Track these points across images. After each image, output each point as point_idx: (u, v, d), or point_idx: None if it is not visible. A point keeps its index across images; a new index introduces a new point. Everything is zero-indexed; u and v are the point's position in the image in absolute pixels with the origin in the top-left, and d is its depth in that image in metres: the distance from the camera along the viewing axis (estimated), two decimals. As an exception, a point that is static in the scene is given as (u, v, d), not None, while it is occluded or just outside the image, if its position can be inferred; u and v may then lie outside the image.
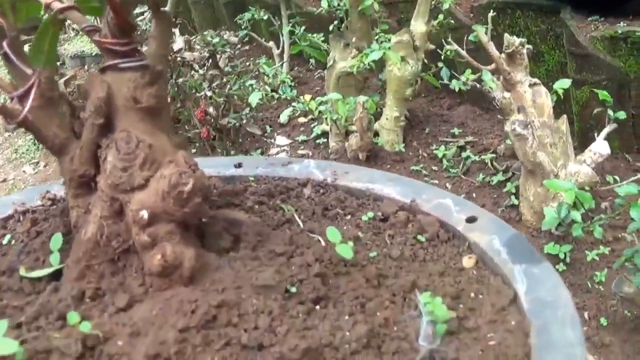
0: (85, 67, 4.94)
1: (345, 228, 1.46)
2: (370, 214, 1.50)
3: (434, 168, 3.57)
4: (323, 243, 1.34)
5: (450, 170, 3.52)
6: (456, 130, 3.75)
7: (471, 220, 1.44)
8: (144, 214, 1.18)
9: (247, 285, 1.16)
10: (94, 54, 4.88)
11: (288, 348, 1.03)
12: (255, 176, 1.70)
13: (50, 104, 1.25)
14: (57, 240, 1.30)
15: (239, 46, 5.01)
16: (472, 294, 1.25)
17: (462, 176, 3.48)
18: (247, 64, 4.51)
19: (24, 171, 4.75)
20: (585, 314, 2.77)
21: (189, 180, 1.17)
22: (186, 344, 1.04)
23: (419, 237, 1.42)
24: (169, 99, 1.30)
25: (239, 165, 1.74)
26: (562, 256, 2.93)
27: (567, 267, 2.92)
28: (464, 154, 3.58)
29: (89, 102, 1.23)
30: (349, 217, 1.52)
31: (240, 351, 1.05)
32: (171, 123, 4.11)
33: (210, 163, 1.76)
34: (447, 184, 3.43)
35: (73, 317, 1.09)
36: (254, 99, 3.62)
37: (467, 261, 1.35)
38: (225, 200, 1.49)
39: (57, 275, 1.26)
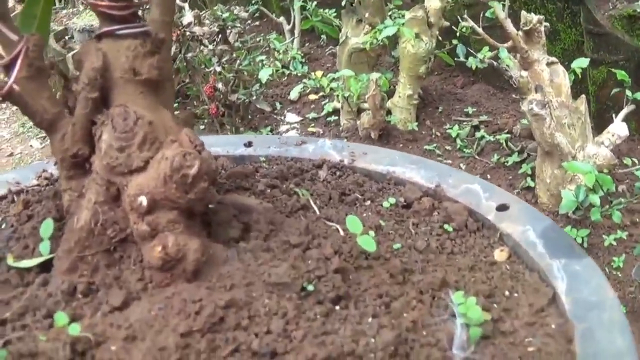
0: (94, 41, 4.75)
1: (364, 215, 1.31)
2: (392, 200, 1.34)
3: (448, 148, 3.40)
4: (342, 232, 1.18)
5: (464, 150, 3.35)
6: (470, 110, 3.58)
7: (502, 208, 1.28)
8: (143, 200, 1.02)
9: (258, 282, 1.01)
10: (102, 28, 4.69)
11: (305, 357, 0.88)
12: (266, 156, 1.54)
13: (39, 75, 1.08)
14: (47, 227, 1.14)
15: (249, 21, 4.82)
16: (507, 292, 1.10)
17: (477, 156, 3.31)
18: (258, 39, 4.33)
19: (30, 145, 4.59)
20: (603, 301, 2.61)
21: (194, 163, 1.01)
22: (189, 350, 0.90)
23: (446, 226, 1.27)
24: (173, 71, 1.13)
25: (249, 144, 1.58)
26: (579, 240, 2.76)
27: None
28: (478, 134, 3.41)
29: (83, 74, 1.07)
30: (368, 202, 1.36)
31: (250, 359, 0.90)
32: (176, 98, 3.96)
33: (218, 141, 1.61)
34: (461, 164, 3.27)
35: (61, 317, 0.94)
36: (264, 75, 3.45)
37: (499, 254, 1.20)
38: (234, 184, 1.33)
39: (47, 265, 1.11)
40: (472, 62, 3.04)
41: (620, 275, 2.72)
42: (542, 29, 2.85)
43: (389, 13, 3.52)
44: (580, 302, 1.02)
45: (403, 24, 3.24)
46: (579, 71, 2.87)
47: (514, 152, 3.20)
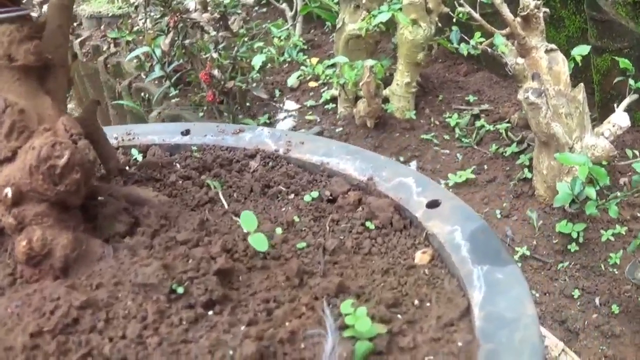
0: (102, 27, 4.69)
1: (283, 210, 1.20)
2: (315, 194, 1.23)
3: (446, 137, 3.26)
4: (245, 229, 1.07)
5: (463, 139, 3.22)
6: (471, 98, 3.43)
7: (433, 205, 1.16)
8: (8, 191, 0.93)
9: (127, 282, 0.90)
10: (110, 15, 4.64)
11: (152, 369, 0.78)
12: (201, 145, 1.44)
13: None
14: None
15: (256, 8, 4.72)
16: (417, 301, 0.98)
17: (475, 146, 3.17)
18: (264, 26, 4.22)
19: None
20: (596, 300, 2.47)
21: (63, 153, 0.92)
22: (37, 351, 0.81)
23: (368, 223, 1.15)
24: (70, 57, 1.03)
25: (187, 133, 1.48)
26: (574, 235, 2.62)
27: (579, 248, 2.62)
28: (478, 123, 3.26)
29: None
30: (292, 196, 1.25)
31: (100, 366, 0.80)
32: (177, 85, 3.87)
33: (155, 129, 1.51)
34: (458, 154, 3.13)
35: None
36: (257, 61, 3.35)
37: (421, 257, 1.08)
38: (145, 174, 1.23)
39: None
40: (464, 49, 2.89)
41: (616, 272, 2.58)
42: (541, 14, 2.70)
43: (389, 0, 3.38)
44: (493, 318, 0.90)
45: (399, 9, 3.10)
46: (579, 59, 2.71)
47: (514, 142, 3.06)
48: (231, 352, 0.80)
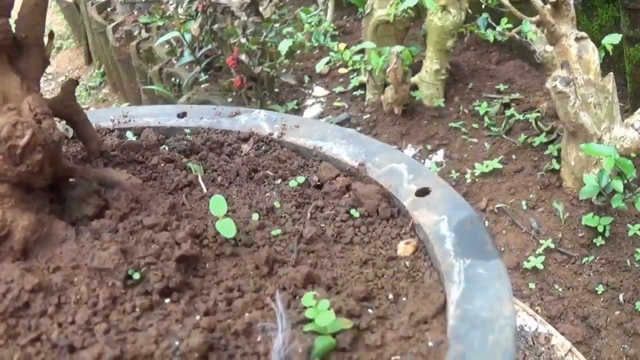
0: (135, 13, 4.69)
1: (267, 195, 1.15)
2: (301, 179, 1.17)
3: (475, 126, 3.17)
4: (214, 214, 1.02)
5: (492, 128, 3.12)
6: (502, 87, 3.33)
7: (422, 193, 1.10)
8: (-34, 171, 0.89)
9: (84, 266, 0.86)
10: (144, 0, 4.63)
11: (92, 355, 0.74)
12: (196, 128, 1.40)
13: None
14: None
15: (289, -7, 4.67)
16: (392, 295, 0.92)
17: (504, 136, 3.08)
18: (295, 12, 4.16)
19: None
20: (620, 296, 2.38)
21: (25, 132, 0.88)
22: (-15, 334, 0.77)
23: (353, 211, 1.10)
24: (46, 35, 1.00)
25: (183, 115, 1.44)
26: (600, 229, 2.52)
27: (605, 242, 2.52)
28: (507, 112, 3.16)
29: None
30: (279, 181, 1.20)
31: (49, 350, 0.77)
32: (207, 70, 3.84)
33: (152, 111, 1.47)
34: (486, 144, 3.04)
35: None
36: (284, 46, 3.29)
37: (404, 248, 1.03)
38: (126, 157, 1.19)
39: None
40: (490, 35, 2.80)
41: (644, 268, 2.47)
42: (571, 2, 2.59)
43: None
44: (468, 317, 0.84)
45: (428, -6, 3.02)
46: (610, 48, 2.61)
47: (542, 133, 2.96)
48: (177, 343, 0.76)
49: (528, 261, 2.48)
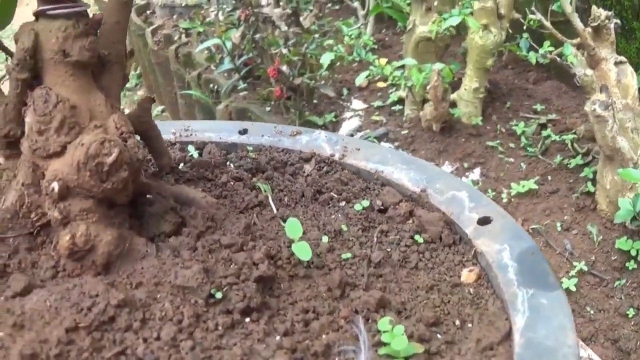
0: (175, 17, 4.74)
1: (332, 217, 1.17)
2: (366, 203, 1.20)
3: (511, 145, 3.18)
4: (290, 237, 1.05)
5: (528, 149, 3.13)
6: (539, 107, 3.34)
7: (484, 222, 1.12)
8: (55, 186, 0.93)
9: (167, 283, 0.89)
10: (183, 5, 4.68)
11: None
12: (257, 145, 1.42)
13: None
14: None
15: (328, 5, 4.70)
16: (458, 322, 0.95)
17: (540, 156, 3.09)
18: (335, 24, 4.19)
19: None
20: (652, 325, 2.38)
21: (112, 151, 0.92)
22: (71, 346, 0.80)
23: (417, 237, 1.12)
24: (127, 53, 1.03)
25: (244, 132, 1.47)
26: (633, 253, 2.52)
27: (638, 266, 2.51)
28: (544, 133, 3.17)
29: (14, 54, 0.99)
30: (343, 203, 1.22)
31: (135, 365, 0.79)
32: (247, 79, 3.87)
33: (213, 127, 1.50)
34: (522, 164, 3.05)
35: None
36: (326, 59, 3.32)
37: (467, 275, 1.05)
38: (196, 173, 1.22)
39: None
40: (532, 57, 2.81)
41: (676, 296, 2.47)
42: (612, 25, 2.60)
43: (461, 2, 3.32)
44: (533, 345, 0.86)
45: (470, 13, 3.04)
46: (648, 72, 2.62)
47: (578, 154, 2.96)
48: (262, 364, 0.78)
49: (561, 283, 2.49)
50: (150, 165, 1.23)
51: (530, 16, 2.78)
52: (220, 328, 0.85)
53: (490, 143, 3.19)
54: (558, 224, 2.71)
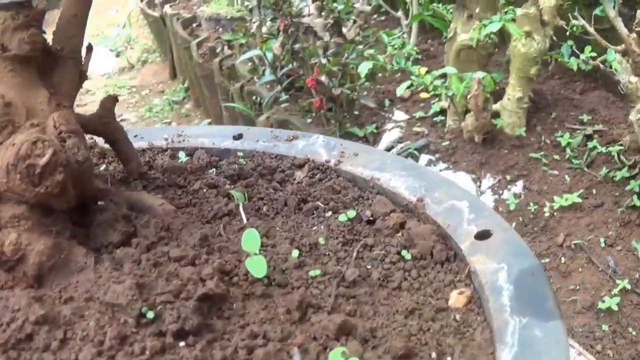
0: (220, 29, 4.66)
1: (313, 229, 1.04)
2: (352, 213, 1.05)
3: (556, 157, 2.98)
4: (246, 250, 0.91)
5: (573, 161, 2.93)
6: (585, 117, 3.13)
7: (482, 236, 0.97)
8: (-18, 190, 0.81)
9: (97, 299, 0.77)
10: (229, 17, 4.60)
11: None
12: (251, 151, 1.30)
13: None
14: None
15: (375, 16, 4.55)
16: (435, 354, 0.79)
17: (585, 168, 2.88)
18: (380, 34, 4.04)
19: (154, 129, 4.54)
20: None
21: (45, 152, 0.80)
22: (-17, 367, 0.69)
23: (404, 252, 0.97)
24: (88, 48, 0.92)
25: (239, 137, 1.34)
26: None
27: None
28: (590, 144, 2.96)
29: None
30: (329, 214, 1.08)
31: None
32: (288, 90, 3.76)
33: (208, 132, 1.39)
34: (567, 176, 2.85)
35: None
36: (364, 68, 3.18)
37: (456, 298, 0.89)
38: (167, 179, 1.10)
39: None
40: (573, 63, 2.62)
41: None
42: (659, 31, 2.40)
43: (505, 10, 3.14)
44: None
45: (513, 20, 2.87)
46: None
47: (625, 167, 2.75)
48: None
49: (603, 301, 2.31)
50: (117, 172, 1.11)
51: (574, 22, 2.59)
52: (147, 352, 0.72)
53: (533, 155, 3.00)
54: (601, 240, 2.52)
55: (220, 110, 4.26)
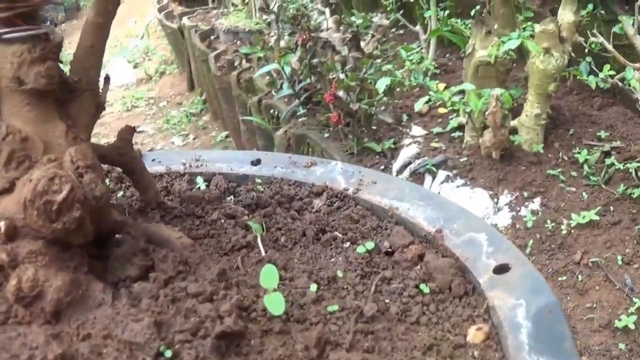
0: (238, 42, 4.66)
1: (332, 260, 1.03)
2: (370, 245, 1.04)
3: (573, 174, 2.96)
4: (264, 286, 0.90)
5: (591, 177, 2.91)
6: (603, 133, 3.10)
7: (501, 270, 0.96)
8: (1, 226, 0.81)
9: (115, 337, 0.76)
10: (247, 30, 4.59)
11: None
12: (269, 177, 1.29)
13: None
14: None
15: (393, 30, 4.54)
16: (452, 392, 0.78)
17: (603, 185, 2.86)
18: (398, 48, 4.03)
19: (172, 142, 4.56)
20: None
21: (62, 188, 0.79)
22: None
23: (422, 286, 0.96)
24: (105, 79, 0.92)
25: (257, 162, 1.34)
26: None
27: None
28: (607, 161, 2.94)
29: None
30: (347, 244, 1.08)
31: None
32: (306, 104, 3.76)
33: (225, 157, 1.38)
34: (584, 193, 2.83)
35: None
36: (382, 84, 3.17)
37: (474, 334, 0.88)
38: (185, 209, 1.09)
39: None
40: (592, 81, 2.60)
41: None
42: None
43: (523, 26, 3.12)
44: None
45: (531, 36, 2.85)
46: None
47: (644, 184, 2.73)
48: None
49: (620, 320, 2.29)
50: (134, 201, 1.11)
51: (592, 39, 2.57)
52: (164, 394, 0.71)
53: (551, 171, 2.98)
54: (619, 257, 2.49)
55: (238, 123, 4.26)
